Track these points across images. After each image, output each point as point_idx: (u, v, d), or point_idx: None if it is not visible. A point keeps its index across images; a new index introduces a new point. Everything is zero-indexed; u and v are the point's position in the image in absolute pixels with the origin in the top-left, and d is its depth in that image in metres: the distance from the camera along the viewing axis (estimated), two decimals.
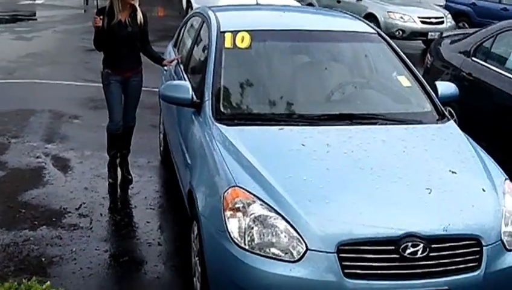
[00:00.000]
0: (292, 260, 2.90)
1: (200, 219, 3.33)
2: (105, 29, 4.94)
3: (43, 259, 4.09)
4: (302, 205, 3.02)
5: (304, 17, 5.10)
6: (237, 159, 3.36)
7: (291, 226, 2.95)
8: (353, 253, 2.89)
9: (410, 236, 2.91)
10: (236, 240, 3.01)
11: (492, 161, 3.64)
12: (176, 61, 5.29)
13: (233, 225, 3.03)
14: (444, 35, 7.11)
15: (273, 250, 2.95)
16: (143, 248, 4.39)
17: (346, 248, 2.88)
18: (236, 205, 3.08)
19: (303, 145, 3.51)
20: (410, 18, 12.63)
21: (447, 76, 6.12)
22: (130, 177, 5.49)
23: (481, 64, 5.85)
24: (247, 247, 2.98)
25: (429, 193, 3.17)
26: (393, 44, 4.53)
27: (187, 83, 4.05)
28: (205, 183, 3.46)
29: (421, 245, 2.90)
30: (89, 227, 4.61)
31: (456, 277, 2.98)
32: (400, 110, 4.07)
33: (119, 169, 5.47)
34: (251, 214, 3.02)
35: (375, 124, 3.81)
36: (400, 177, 3.27)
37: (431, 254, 2.93)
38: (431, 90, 4.19)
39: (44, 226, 4.55)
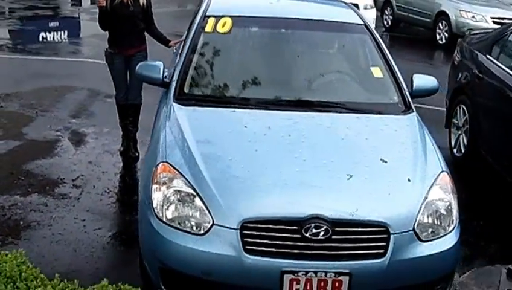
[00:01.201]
0: (199, 233, 3.08)
1: (139, 192, 3.58)
2: (108, 9, 5.30)
3: (22, 223, 4.48)
4: (218, 183, 3.19)
5: (297, 5, 5.18)
6: (176, 137, 3.57)
7: (203, 202, 3.13)
8: (256, 231, 3.02)
9: (314, 218, 3.01)
10: (157, 213, 3.22)
11: (438, 153, 3.64)
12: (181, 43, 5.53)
13: (156, 198, 3.25)
14: (472, 32, 6.88)
15: (186, 224, 3.14)
16: (120, 222, 4.70)
17: (250, 225, 3.02)
18: (162, 179, 3.29)
19: (245, 127, 3.66)
20: (482, 18, 12.34)
21: (469, 73, 5.97)
22: (136, 154, 5.81)
23: (492, 62, 5.65)
24: (164, 219, 3.19)
25: (348, 179, 3.24)
26: (376, 36, 4.56)
27: (160, 64, 4.28)
28: (148, 158, 3.72)
29: (324, 227, 2.99)
30: (77, 197, 4.96)
31: (359, 262, 3.05)
32: (363, 100, 4.15)
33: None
34: (171, 188, 3.23)
35: (330, 111, 3.88)
36: (325, 162, 3.37)
37: (334, 237, 3.02)
38: (403, 83, 4.22)
39: (35, 193, 4.96)
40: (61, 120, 6.75)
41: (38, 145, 6.04)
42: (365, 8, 12.55)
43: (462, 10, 12.59)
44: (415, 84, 4.25)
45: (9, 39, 11.66)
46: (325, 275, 2.99)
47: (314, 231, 3.00)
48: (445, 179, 3.44)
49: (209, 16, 4.49)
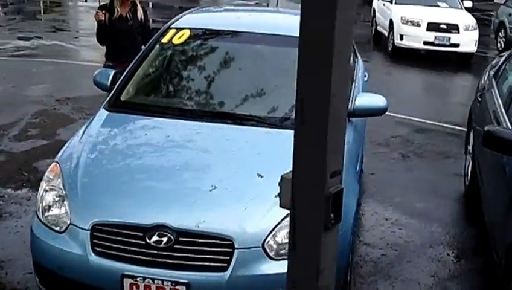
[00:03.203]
0: (59, 231, 3.38)
1: None
2: (107, 23, 5.79)
3: None
4: (85, 187, 3.49)
5: (262, 20, 5.28)
6: (80, 140, 3.91)
7: (68, 203, 3.43)
8: (105, 233, 3.24)
9: (159, 226, 3.16)
10: (37, 208, 3.58)
11: None
12: None
13: (39, 193, 3.62)
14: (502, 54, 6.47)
15: (54, 221, 3.44)
16: None
17: (100, 228, 3.25)
18: (47, 177, 3.66)
19: (146, 134, 3.92)
20: None
21: (475, 96, 5.65)
22: None
23: (491, 85, 5.27)
24: (39, 215, 3.52)
25: (210, 190, 3.33)
26: None
27: (111, 71, 4.65)
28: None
29: (168, 236, 3.13)
30: None
31: (199, 273, 3.13)
32: (283, 115, 4.14)
33: None
34: (49, 187, 3.57)
35: (244, 125, 3.98)
36: (196, 173, 3.51)
37: (177, 246, 3.13)
38: None
39: (26, 188, 5.55)
40: None
41: (61, 145, 6.67)
42: (466, 30, 12.06)
43: None
44: (356, 103, 4.22)
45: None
46: (162, 283, 3.12)
47: (156, 238, 3.15)
48: None
49: (171, 28, 4.78)
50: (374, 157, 6.75)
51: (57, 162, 3.72)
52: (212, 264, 3.15)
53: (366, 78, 6.00)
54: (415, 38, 12.28)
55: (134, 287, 3.17)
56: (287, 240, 3.15)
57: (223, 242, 3.15)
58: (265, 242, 3.17)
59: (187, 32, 4.66)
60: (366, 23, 16.02)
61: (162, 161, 3.67)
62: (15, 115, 7.67)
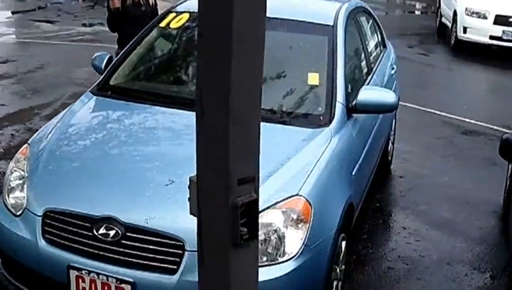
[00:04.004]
0: (16, 215, 3.26)
1: None
2: (120, 10, 5.62)
3: None
4: (44, 172, 3.35)
5: (278, 4, 4.91)
6: (57, 122, 3.78)
7: (27, 186, 3.30)
8: (56, 221, 3.09)
9: (108, 219, 2.97)
10: (3, 190, 3.48)
11: (312, 176, 3.24)
12: None
13: (6, 174, 3.54)
14: None
15: (14, 204, 3.32)
16: None
17: (52, 215, 3.10)
18: (16, 157, 3.58)
19: (123, 121, 3.70)
20: None
21: None
22: None
23: None
24: (5, 196, 3.41)
25: (167, 184, 3.08)
26: (339, 40, 4.11)
27: (107, 55, 4.44)
28: None
29: (115, 230, 2.93)
30: None
31: (146, 273, 2.91)
32: (277, 107, 3.80)
33: None
34: (15, 169, 3.47)
35: None
36: (157, 164, 3.29)
37: (124, 242, 2.92)
38: (339, 94, 3.79)
39: None
40: None
41: None
42: None
43: None
44: (358, 98, 3.83)
45: None
46: (107, 279, 2.92)
47: (104, 231, 2.96)
48: (294, 205, 3.03)
49: (171, 12, 4.52)
50: (407, 158, 6.27)
51: (28, 144, 3.64)
52: (160, 265, 2.92)
53: (393, 71, 5.53)
54: (480, 31, 11.46)
55: (80, 280, 3.00)
56: None
57: (173, 242, 2.89)
58: None
59: (186, 16, 4.39)
60: (434, 14, 15.27)
61: (128, 151, 3.48)
62: (53, 95, 7.79)
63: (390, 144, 5.81)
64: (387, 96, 3.89)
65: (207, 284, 1.96)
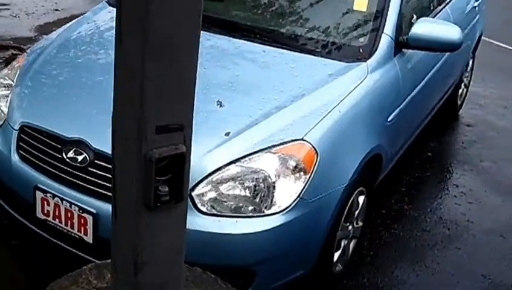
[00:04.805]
0: None
1: None
2: None
3: None
4: (29, 83, 3.14)
5: None
6: (61, 32, 3.59)
7: (11, 97, 3.11)
8: (30, 138, 2.88)
9: (78, 142, 2.72)
10: None
11: (325, 120, 2.80)
12: None
13: None
14: None
15: None
16: None
17: (27, 130, 2.89)
18: (11, 65, 3.44)
19: None
20: None
21: None
22: None
23: None
24: None
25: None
26: None
27: None
28: None
29: (84, 155, 2.68)
30: None
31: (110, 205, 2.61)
32: (305, 33, 3.33)
33: None
34: (6, 76, 3.31)
35: (273, 43, 3.28)
36: None
37: (91, 169, 2.67)
38: (389, 26, 3.30)
39: None
40: None
41: None
42: None
43: None
44: (411, 31, 3.30)
45: None
46: (70, 206, 2.69)
47: (72, 154, 2.71)
48: (296, 151, 2.62)
49: None
50: (483, 105, 5.64)
51: (27, 52, 3.47)
52: None
53: (477, 3, 4.80)
54: None
55: (45, 203, 2.78)
56: (227, 192, 2.51)
57: None
58: (195, 189, 2.51)
59: None
60: None
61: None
62: None
63: (462, 86, 5.17)
64: (449, 32, 3.30)
65: (118, 245, 1.64)
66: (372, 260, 3.44)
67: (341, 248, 3.04)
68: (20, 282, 3.03)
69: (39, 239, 2.87)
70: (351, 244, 3.21)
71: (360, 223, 3.24)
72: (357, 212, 3.11)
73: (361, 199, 3.12)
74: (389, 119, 3.24)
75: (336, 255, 3.00)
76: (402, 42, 3.31)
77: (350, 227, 3.08)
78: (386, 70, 3.23)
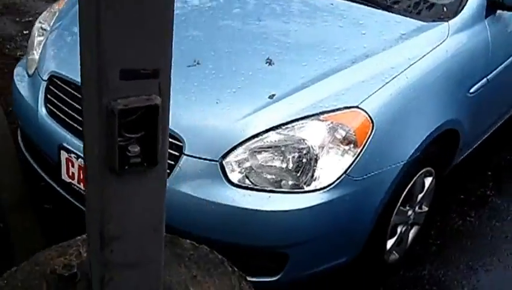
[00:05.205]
0: (29, 75, 2.92)
1: None
2: None
3: None
4: (64, 30, 2.94)
5: None
6: None
7: (43, 44, 2.94)
8: (59, 91, 2.65)
9: None
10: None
11: (386, 87, 2.40)
12: None
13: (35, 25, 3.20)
14: None
15: (29, 61, 2.97)
16: None
17: (56, 81, 2.67)
18: (51, 9, 3.22)
19: None
20: None
21: None
22: None
23: None
24: (29, 52, 3.06)
25: (188, 66, 2.44)
26: None
27: None
28: None
29: None
30: None
31: None
32: None
33: None
34: (43, 21, 3.15)
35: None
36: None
37: None
38: None
39: None
40: None
41: None
42: None
43: None
44: None
45: None
46: None
47: None
48: (348, 120, 2.27)
49: None
50: None
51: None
52: None
53: None
54: None
55: (70, 164, 2.54)
56: (266, 163, 2.21)
57: (171, 140, 2.26)
58: (227, 156, 2.22)
59: None
60: None
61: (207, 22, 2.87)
62: None
63: None
64: None
65: (88, 214, 1.38)
66: (437, 250, 3.04)
67: (397, 235, 2.67)
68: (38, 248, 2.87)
69: (66, 204, 2.63)
70: (412, 232, 2.83)
71: (425, 208, 2.85)
72: (420, 195, 2.72)
73: (427, 180, 2.73)
74: (472, 90, 2.80)
75: (390, 242, 2.64)
76: (497, 2, 2.86)
77: (410, 212, 2.69)
78: (473, 34, 2.79)
